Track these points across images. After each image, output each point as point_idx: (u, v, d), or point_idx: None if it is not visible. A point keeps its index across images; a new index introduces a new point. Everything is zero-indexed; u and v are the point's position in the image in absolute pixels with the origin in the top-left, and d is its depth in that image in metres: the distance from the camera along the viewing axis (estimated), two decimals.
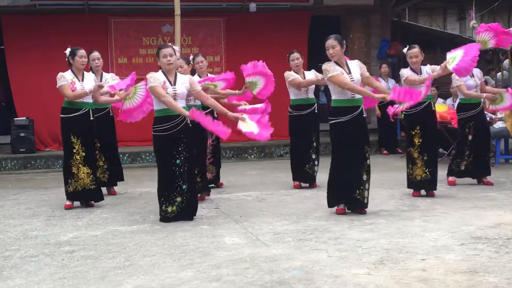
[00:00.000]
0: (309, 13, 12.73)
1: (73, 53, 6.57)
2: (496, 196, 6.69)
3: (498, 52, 14.46)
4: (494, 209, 5.92)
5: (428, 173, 6.66)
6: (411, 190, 6.83)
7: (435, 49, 14.78)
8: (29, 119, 11.15)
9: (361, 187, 5.78)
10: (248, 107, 6.19)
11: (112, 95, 6.92)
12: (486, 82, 8.93)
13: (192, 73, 7.11)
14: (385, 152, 11.58)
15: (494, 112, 9.02)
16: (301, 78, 7.47)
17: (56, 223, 5.87)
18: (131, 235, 5.25)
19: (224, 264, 4.21)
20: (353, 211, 5.85)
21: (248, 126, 5.56)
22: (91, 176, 6.59)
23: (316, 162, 7.58)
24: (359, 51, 12.69)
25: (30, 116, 11.26)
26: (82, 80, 6.58)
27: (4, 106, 13.75)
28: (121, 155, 10.20)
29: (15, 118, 11.21)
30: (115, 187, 7.67)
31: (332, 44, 5.77)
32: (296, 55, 7.54)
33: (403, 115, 7.03)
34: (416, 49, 6.73)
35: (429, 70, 6.80)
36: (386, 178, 8.16)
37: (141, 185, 8.28)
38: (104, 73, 7.48)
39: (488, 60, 13.82)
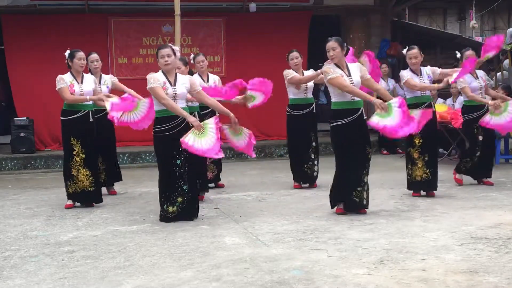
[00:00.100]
0: (309, 13, 12.72)
1: (71, 56, 6.58)
2: (496, 196, 6.69)
3: (498, 52, 14.46)
4: (494, 209, 5.92)
5: (429, 173, 6.66)
6: (411, 191, 6.82)
7: (435, 49, 14.78)
8: (29, 119, 11.15)
9: (359, 188, 5.78)
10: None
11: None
12: None
13: (190, 74, 7.09)
14: (385, 152, 11.58)
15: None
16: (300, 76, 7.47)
17: (56, 223, 5.87)
18: (131, 235, 5.25)
19: (224, 264, 4.21)
20: (354, 210, 5.85)
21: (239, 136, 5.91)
22: (91, 178, 6.61)
23: (315, 162, 7.57)
24: (359, 51, 12.68)
25: (30, 116, 11.26)
26: (81, 83, 6.59)
27: (4, 106, 13.75)
28: (121, 155, 10.26)
29: (15, 118, 11.20)
30: (115, 187, 7.67)
31: (332, 46, 5.77)
32: (295, 54, 7.54)
33: None
34: (415, 50, 6.73)
35: (429, 72, 6.81)
36: (386, 178, 8.16)
37: (141, 185, 8.28)
38: (103, 75, 7.47)
39: (489, 60, 13.81)
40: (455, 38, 15.51)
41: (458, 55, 7.61)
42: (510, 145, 9.95)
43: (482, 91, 7.35)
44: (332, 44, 5.78)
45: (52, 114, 10.63)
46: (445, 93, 11.80)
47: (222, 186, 7.90)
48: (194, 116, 6.02)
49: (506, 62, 11.70)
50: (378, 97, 6.25)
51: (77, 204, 6.72)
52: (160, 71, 5.78)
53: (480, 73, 7.46)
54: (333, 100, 5.87)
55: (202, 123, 5.60)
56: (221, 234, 5.17)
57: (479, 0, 23.02)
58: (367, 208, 5.86)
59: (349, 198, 5.79)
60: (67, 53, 6.63)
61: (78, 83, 6.56)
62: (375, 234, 4.99)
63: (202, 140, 5.49)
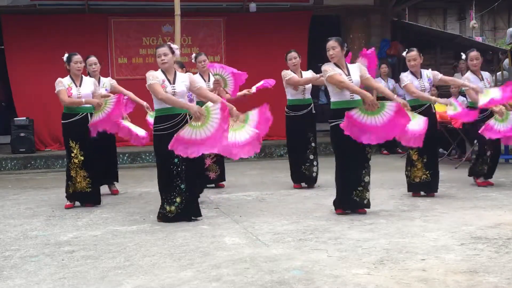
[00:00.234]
0: (309, 13, 12.73)
1: (68, 59, 6.65)
2: (496, 196, 6.69)
3: (498, 52, 14.49)
4: (494, 209, 5.92)
5: (428, 175, 6.65)
6: (411, 192, 6.82)
7: (435, 49, 14.78)
8: (29, 119, 11.15)
9: (360, 188, 5.77)
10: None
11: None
12: None
13: None
14: (385, 152, 11.58)
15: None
16: (298, 77, 7.47)
17: (56, 223, 5.87)
18: (131, 235, 5.25)
19: (224, 264, 4.21)
20: (354, 210, 5.85)
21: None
22: (88, 179, 6.64)
23: (314, 163, 7.55)
24: (359, 51, 12.66)
25: (30, 116, 11.26)
26: (80, 85, 6.62)
27: (4, 106, 13.75)
28: (121, 155, 10.27)
29: (15, 118, 11.21)
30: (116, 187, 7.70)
31: (332, 45, 5.78)
32: (293, 54, 7.53)
33: None
34: (414, 52, 6.72)
35: (430, 75, 6.79)
36: (386, 178, 8.16)
37: (141, 185, 8.29)
38: (102, 78, 7.47)
39: (488, 60, 13.83)
40: (455, 38, 15.50)
41: (463, 56, 7.61)
42: (510, 145, 9.94)
43: None
44: (332, 43, 5.79)
45: (52, 114, 10.65)
46: (445, 93, 11.81)
47: (222, 186, 7.90)
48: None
49: (506, 62, 11.70)
50: (382, 97, 6.26)
51: (77, 204, 6.75)
52: (159, 70, 5.78)
53: (485, 74, 7.45)
54: (332, 99, 5.87)
55: (204, 107, 5.52)
56: (221, 234, 5.17)
57: (479, 0, 23.02)
58: (368, 208, 5.86)
59: (350, 198, 5.79)
60: (65, 57, 6.69)
61: (76, 86, 6.60)
62: (375, 234, 4.99)
63: (200, 130, 5.42)
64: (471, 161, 9.39)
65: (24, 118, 11.17)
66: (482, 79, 7.32)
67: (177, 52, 5.90)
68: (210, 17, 12.43)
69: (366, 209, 5.86)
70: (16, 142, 10.95)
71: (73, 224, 5.80)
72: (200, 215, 5.80)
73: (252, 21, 12.36)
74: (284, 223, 5.52)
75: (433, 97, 6.92)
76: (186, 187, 5.68)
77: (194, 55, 7.64)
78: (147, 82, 5.66)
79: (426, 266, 4.03)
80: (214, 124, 5.43)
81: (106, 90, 7.26)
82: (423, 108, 6.58)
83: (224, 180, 7.91)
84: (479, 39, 20.07)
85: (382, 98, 6.40)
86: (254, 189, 7.65)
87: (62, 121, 6.70)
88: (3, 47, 11.95)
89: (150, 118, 6.73)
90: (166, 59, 5.70)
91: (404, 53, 6.86)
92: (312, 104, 7.64)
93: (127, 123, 7.01)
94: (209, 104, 5.59)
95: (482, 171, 7.40)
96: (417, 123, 6.09)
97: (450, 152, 10.44)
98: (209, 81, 7.42)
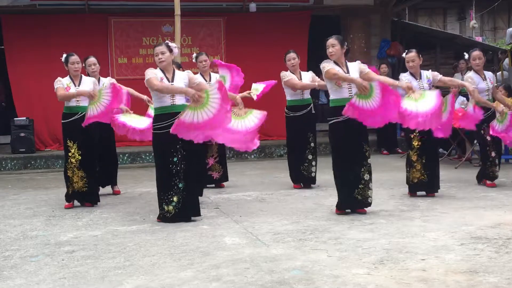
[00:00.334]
0: (309, 13, 12.74)
1: (66, 60, 6.68)
2: (496, 196, 6.69)
3: (498, 52, 14.49)
4: (494, 209, 5.91)
5: (425, 176, 6.63)
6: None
7: (435, 49, 14.79)
8: (29, 119, 11.16)
9: (360, 186, 5.76)
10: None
11: None
12: None
13: None
14: (385, 152, 11.59)
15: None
16: (297, 78, 7.46)
17: (56, 223, 5.87)
18: (131, 235, 5.25)
19: (224, 264, 4.21)
20: (354, 210, 5.85)
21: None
22: (84, 179, 6.64)
23: (313, 163, 7.54)
24: (359, 51, 12.69)
25: (30, 116, 11.27)
26: (79, 85, 6.62)
27: (4, 106, 13.76)
28: (121, 155, 10.27)
29: (15, 118, 11.22)
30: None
31: (332, 43, 5.79)
32: (292, 55, 7.53)
33: None
34: (413, 54, 6.70)
35: (430, 75, 6.77)
36: (386, 178, 8.16)
37: (141, 185, 8.29)
38: (101, 78, 7.45)
39: (488, 60, 13.83)
40: (454, 38, 15.52)
41: (466, 56, 7.60)
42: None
43: (489, 93, 7.31)
44: (332, 41, 5.80)
45: (52, 114, 10.66)
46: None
47: (222, 186, 7.90)
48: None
49: (506, 62, 11.70)
50: None
51: (77, 204, 6.75)
52: (158, 69, 5.78)
53: (489, 74, 7.42)
54: (331, 97, 5.87)
55: (204, 91, 5.48)
56: (221, 234, 5.17)
57: (479, 0, 23.04)
58: (369, 206, 5.85)
59: (351, 197, 5.79)
60: (63, 57, 6.70)
61: (75, 86, 6.60)
62: (375, 234, 4.98)
63: (202, 112, 5.36)
64: (471, 161, 9.41)
65: (24, 118, 11.18)
66: (485, 78, 7.29)
67: (175, 50, 5.86)
68: (210, 17, 12.44)
69: (366, 208, 5.85)
70: (16, 142, 10.95)
71: (73, 224, 5.80)
72: (199, 215, 5.80)
73: (252, 21, 12.37)
74: (284, 223, 5.52)
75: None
76: (184, 186, 5.67)
77: (195, 55, 7.64)
78: (145, 78, 5.65)
79: (426, 266, 4.03)
80: (214, 105, 5.38)
81: None
82: None
83: (227, 180, 7.91)
84: (479, 39, 20.08)
85: None
86: (254, 189, 7.65)
87: (62, 121, 6.70)
88: (3, 47, 11.96)
89: (152, 110, 6.69)
90: (164, 58, 5.70)
91: (403, 54, 6.86)
92: (312, 104, 7.64)
93: (123, 118, 6.91)
94: (208, 87, 5.59)
95: (495, 173, 7.31)
96: (427, 102, 5.91)
97: (450, 152, 10.44)
98: (210, 80, 7.42)
